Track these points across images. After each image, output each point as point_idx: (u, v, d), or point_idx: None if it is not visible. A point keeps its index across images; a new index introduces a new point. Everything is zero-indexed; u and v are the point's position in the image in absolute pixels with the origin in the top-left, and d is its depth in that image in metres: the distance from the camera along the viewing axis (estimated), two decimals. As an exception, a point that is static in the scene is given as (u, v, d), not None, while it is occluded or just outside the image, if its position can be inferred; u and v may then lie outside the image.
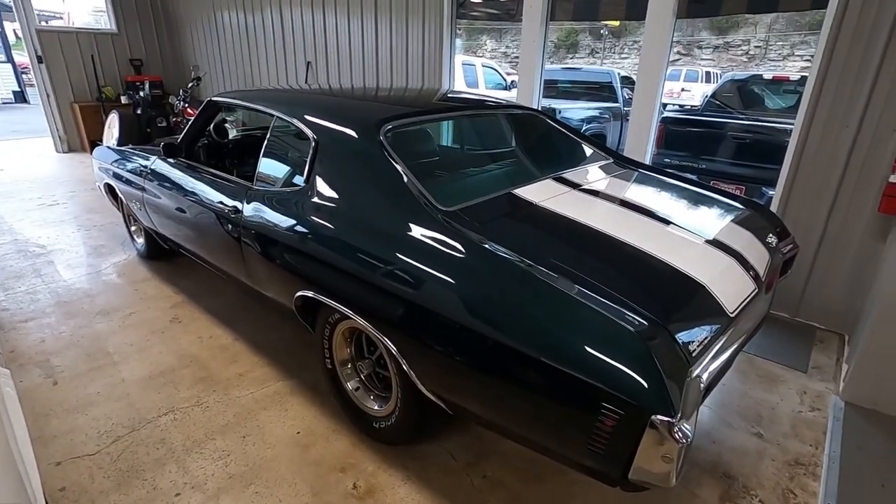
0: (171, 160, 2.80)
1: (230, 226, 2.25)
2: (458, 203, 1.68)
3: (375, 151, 1.80)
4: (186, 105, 6.48)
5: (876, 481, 1.85)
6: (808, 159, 2.80)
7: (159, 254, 3.57)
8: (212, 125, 2.92)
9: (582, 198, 1.92)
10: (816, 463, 1.95)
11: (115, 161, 3.38)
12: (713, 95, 5.88)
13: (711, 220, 1.90)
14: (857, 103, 2.57)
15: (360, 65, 5.11)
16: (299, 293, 1.91)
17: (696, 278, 1.44)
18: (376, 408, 1.93)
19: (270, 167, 2.22)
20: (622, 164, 2.47)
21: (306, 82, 5.76)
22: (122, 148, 3.47)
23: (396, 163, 1.75)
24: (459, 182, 2.01)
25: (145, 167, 3.02)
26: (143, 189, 3.02)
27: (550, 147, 2.50)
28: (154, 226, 3.13)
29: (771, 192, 4.49)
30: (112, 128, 6.66)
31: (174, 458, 1.87)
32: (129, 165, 3.21)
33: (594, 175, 2.21)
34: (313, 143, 1.94)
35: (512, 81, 9.60)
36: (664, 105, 8.17)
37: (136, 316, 2.89)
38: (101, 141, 6.99)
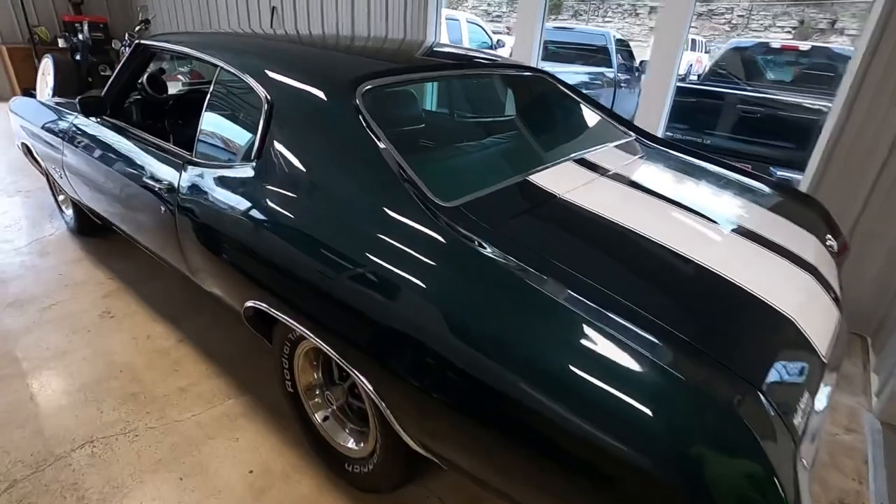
0: (93, 119, 2.26)
1: (163, 206, 1.78)
2: (462, 196, 1.26)
3: (349, 120, 1.35)
4: (133, 52, 5.70)
5: (933, 528, 1.60)
6: (846, 142, 2.46)
7: (92, 229, 3.03)
8: (145, 77, 2.37)
9: (614, 188, 1.52)
10: (863, 502, 1.69)
11: (33, 116, 2.79)
12: (716, 64, 5.48)
13: (774, 223, 1.53)
14: (912, 78, 2.22)
15: (332, 12, 4.48)
16: (249, 303, 1.48)
17: (781, 310, 1.08)
18: (351, 445, 1.54)
19: (212, 134, 1.73)
20: (646, 142, 2.07)
21: (271, 28, 5.07)
22: (42, 101, 2.87)
23: (378, 138, 1.30)
24: (460, 165, 1.56)
25: (65, 126, 2.46)
26: (62, 153, 2.47)
27: (564, 119, 2.06)
28: (78, 197, 2.60)
29: (780, 173, 4.20)
30: (46, 75, 5.83)
31: (88, 512, 1.46)
32: (47, 123, 2.62)
33: (620, 157, 1.81)
34: (266, 106, 1.47)
35: (498, 41, 8.97)
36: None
37: (58, 308, 2.40)
38: (35, 90, 6.15)
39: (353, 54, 1.83)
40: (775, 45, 5.29)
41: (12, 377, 1.96)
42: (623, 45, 7.34)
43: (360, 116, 1.34)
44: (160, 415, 1.82)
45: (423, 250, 1.13)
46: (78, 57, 6.11)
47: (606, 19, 23.76)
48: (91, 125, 2.28)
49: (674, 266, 1.17)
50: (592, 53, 6.83)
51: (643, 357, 0.88)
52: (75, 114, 2.44)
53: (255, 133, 1.48)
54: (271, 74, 1.51)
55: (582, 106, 2.09)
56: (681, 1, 2.75)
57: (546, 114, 2.03)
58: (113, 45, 6.01)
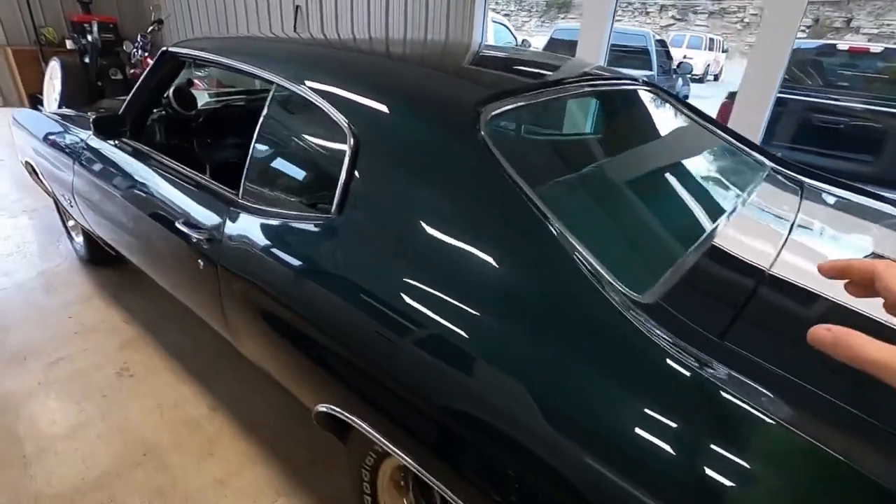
0: (111, 141, 1.89)
1: (201, 260, 1.40)
2: (655, 282, 0.86)
3: (476, 162, 0.96)
4: (147, 54, 5.34)
5: None
6: None
7: (105, 258, 2.66)
8: (171, 90, 1.99)
9: (817, 252, 1.13)
10: None
11: (39, 133, 2.42)
12: (774, 68, 5.06)
13: None
14: None
15: (363, 13, 4.10)
16: (321, 407, 1.10)
17: None
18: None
19: (268, 172, 1.35)
20: (788, 173, 1.66)
21: (295, 31, 4.70)
22: (50, 114, 2.50)
23: (523, 190, 0.91)
24: (631, 229, 1.10)
25: (76, 147, 2.09)
26: (72, 178, 2.10)
27: (707, 152, 1.58)
28: (91, 228, 2.23)
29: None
30: (53, 79, 5.48)
31: None
32: (55, 142, 2.26)
33: (785, 200, 1.41)
34: (351, 140, 1.08)
35: (523, 41, 8.60)
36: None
37: (67, 364, 2.03)
38: (42, 94, 5.80)
39: (453, 68, 1.41)
40: (842, 46, 4.86)
41: (12, 464, 1.58)
42: (661, 46, 6.94)
43: (491, 155, 0.95)
44: (195, 522, 1.44)
45: (614, 374, 0.74)
46: (87, 59, 5.77)
47: (616, 18, 23.31)
48: (107, 148, 1.91)
49: None
50: (630, 56, 6.43)
51: None
52: (88, 132, 2.07)
53: (334, 176, 1.09)
54: (356, 98, 1.12)
55: (712, 130, 1.69)
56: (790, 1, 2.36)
57: (681, 143, 1.60)
58: (124, 48, 5.65)
